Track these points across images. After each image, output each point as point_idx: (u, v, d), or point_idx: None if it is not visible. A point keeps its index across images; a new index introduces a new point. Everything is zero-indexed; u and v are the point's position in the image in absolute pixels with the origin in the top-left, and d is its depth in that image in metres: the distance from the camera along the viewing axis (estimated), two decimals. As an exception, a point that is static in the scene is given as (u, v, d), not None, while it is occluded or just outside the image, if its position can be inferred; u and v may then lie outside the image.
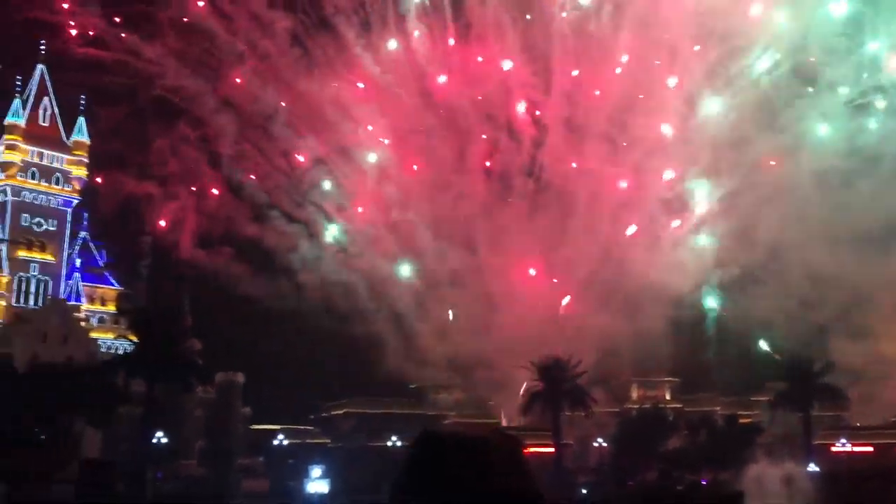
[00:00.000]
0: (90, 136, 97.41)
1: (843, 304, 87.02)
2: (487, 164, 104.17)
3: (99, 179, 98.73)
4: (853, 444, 77.11)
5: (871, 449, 76.54)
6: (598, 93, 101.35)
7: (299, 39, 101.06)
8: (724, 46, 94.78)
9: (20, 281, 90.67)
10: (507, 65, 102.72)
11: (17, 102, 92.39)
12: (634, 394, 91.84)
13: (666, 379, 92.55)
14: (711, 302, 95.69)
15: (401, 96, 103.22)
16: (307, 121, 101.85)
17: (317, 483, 65.78)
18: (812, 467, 60.92)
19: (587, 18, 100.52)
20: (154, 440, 65.45)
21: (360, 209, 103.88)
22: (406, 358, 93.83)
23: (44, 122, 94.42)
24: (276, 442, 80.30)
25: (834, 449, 76.27)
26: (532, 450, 78.02)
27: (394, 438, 76.45)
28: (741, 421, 72.64)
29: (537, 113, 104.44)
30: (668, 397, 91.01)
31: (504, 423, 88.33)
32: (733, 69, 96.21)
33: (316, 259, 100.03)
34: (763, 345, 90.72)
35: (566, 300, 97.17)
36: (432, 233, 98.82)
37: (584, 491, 55.24)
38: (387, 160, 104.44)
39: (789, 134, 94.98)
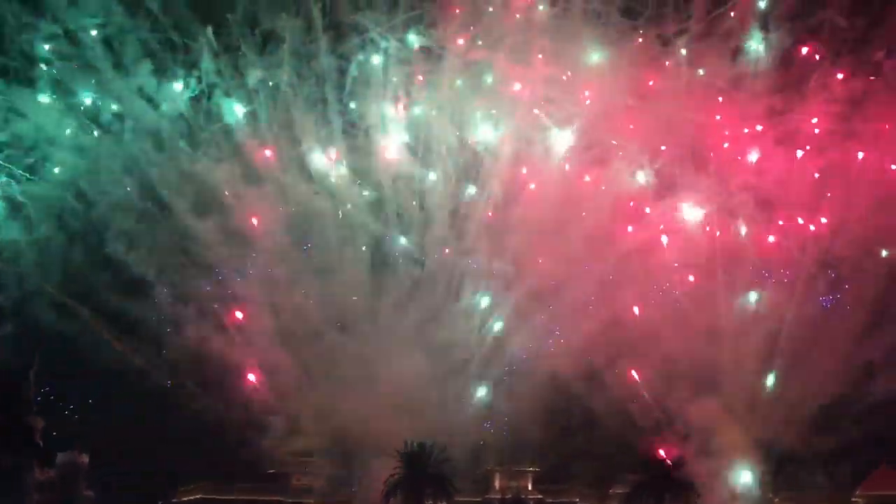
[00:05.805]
0: None
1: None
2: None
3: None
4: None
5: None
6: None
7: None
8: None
9: None
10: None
11: None
12: (497, 483, 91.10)
13: (528, 469, 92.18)
14: (581, 387, 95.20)
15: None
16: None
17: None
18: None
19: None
20: (-20, 527, 60.60)
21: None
22: (269, 440, 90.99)
23: None
24: (116, 531, 75.65)
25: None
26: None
27: (245, 527, 73.27)
28: (598, 514, 72.94)
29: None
30: (530, 487, 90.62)
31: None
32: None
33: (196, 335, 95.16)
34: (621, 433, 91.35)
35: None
36: (314, 316, 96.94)
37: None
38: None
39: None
